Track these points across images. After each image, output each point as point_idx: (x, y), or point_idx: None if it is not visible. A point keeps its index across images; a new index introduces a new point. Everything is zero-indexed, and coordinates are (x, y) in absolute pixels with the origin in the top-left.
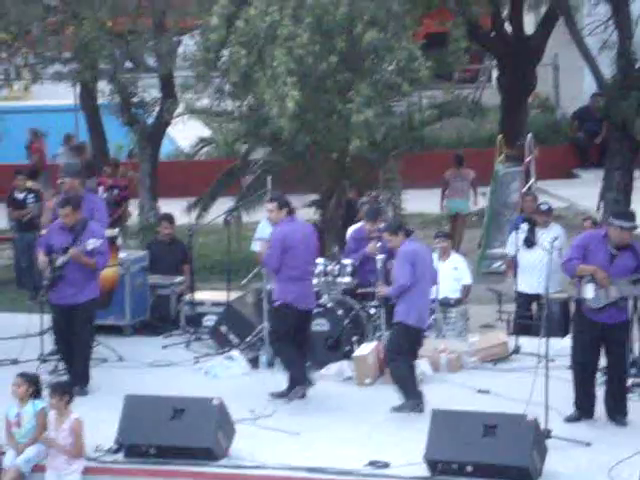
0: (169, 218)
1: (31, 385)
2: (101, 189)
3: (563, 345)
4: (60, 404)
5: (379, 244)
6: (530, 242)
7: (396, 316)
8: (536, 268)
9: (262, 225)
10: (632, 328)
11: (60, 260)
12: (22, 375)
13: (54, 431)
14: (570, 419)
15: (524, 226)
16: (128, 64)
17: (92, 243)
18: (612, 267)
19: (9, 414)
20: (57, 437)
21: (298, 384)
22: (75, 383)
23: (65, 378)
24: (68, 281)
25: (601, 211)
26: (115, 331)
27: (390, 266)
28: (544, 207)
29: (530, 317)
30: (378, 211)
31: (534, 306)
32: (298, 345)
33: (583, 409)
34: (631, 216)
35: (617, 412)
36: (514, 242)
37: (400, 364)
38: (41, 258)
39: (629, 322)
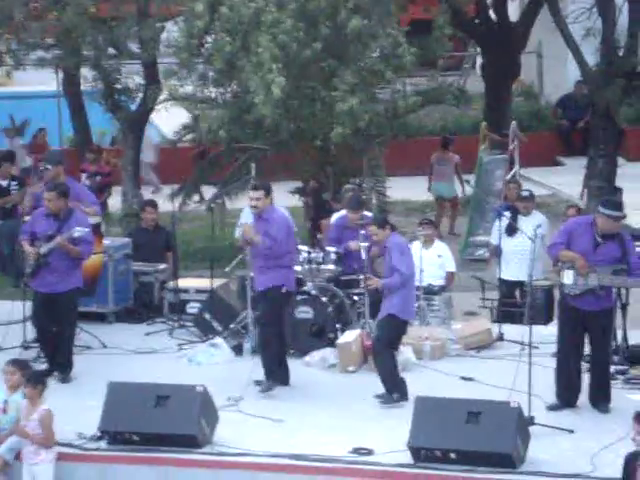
0: (153, 203)
1: (24, 373)
2: (84, 176)
3: (547, 332)
4: (34, 393)
5: (362, 232)
6: (512, 230)
7: (386, 309)
8: (518, 256)
9: (246, 211)
10: (615, 316)
11: (45, 248)
12: (14, 362)
13: (24, 420)
14: (552, 408)
15: (507, 214)
16: (111, 50)
17: (79, 231)
18: (595, 254)
19: None
20: (26, 426)
21: (272, 377)
22: (57, 371)
23: (45, 366)
24: (52, 269)
25: (585, 199)
26: (98, 318)
27: (373, 253)
28: (525, 194)
29: (514, 304)
30: (361, 200)
31: (517, 293)
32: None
33: (564, 399)
34: (619, 205)
35: (600, 399)
36: (498, 230)
37: (385, 359)
38: (26, 247)
39: (613, 310)
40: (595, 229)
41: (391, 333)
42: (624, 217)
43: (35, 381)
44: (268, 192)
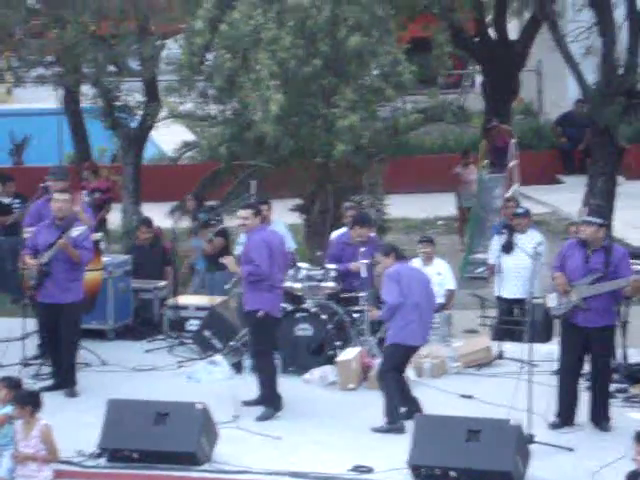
0: (147, 222)
1: (11, 390)
2: (84, 193)
3: (546, 350)
4: (24, 413)
5: (363, 249)
6: (508, 247)
7: (389, 338)
8: (514, 273)
9: None
10: (615, 334)
11: (46, 255)
12: (2, 380)
13: (22, 440)
14: (553, 426)
15: (505, 231)
16: (111, 68)
17: (77, 229)
18: (586, 268)
19: None
20: (27, 445)
21: (271, 405)
22: (62, 385)
23: (44, 384)
24: (53, 279)
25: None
26: (98, 335)
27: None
28: (519, 211)
29: (513, 322)
30: (368, 217)
31: (516, 311)
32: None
33: (563, 416)
34: (601, 214)
35: (600, 418)
36: (496, 248)
37: (389, 382)
38: (29, 260)
39: (613, 327)
40: (584, 243)
41: (393, 358)
42: (599, 224)
43: (22, 402)
44: (257, 212)
